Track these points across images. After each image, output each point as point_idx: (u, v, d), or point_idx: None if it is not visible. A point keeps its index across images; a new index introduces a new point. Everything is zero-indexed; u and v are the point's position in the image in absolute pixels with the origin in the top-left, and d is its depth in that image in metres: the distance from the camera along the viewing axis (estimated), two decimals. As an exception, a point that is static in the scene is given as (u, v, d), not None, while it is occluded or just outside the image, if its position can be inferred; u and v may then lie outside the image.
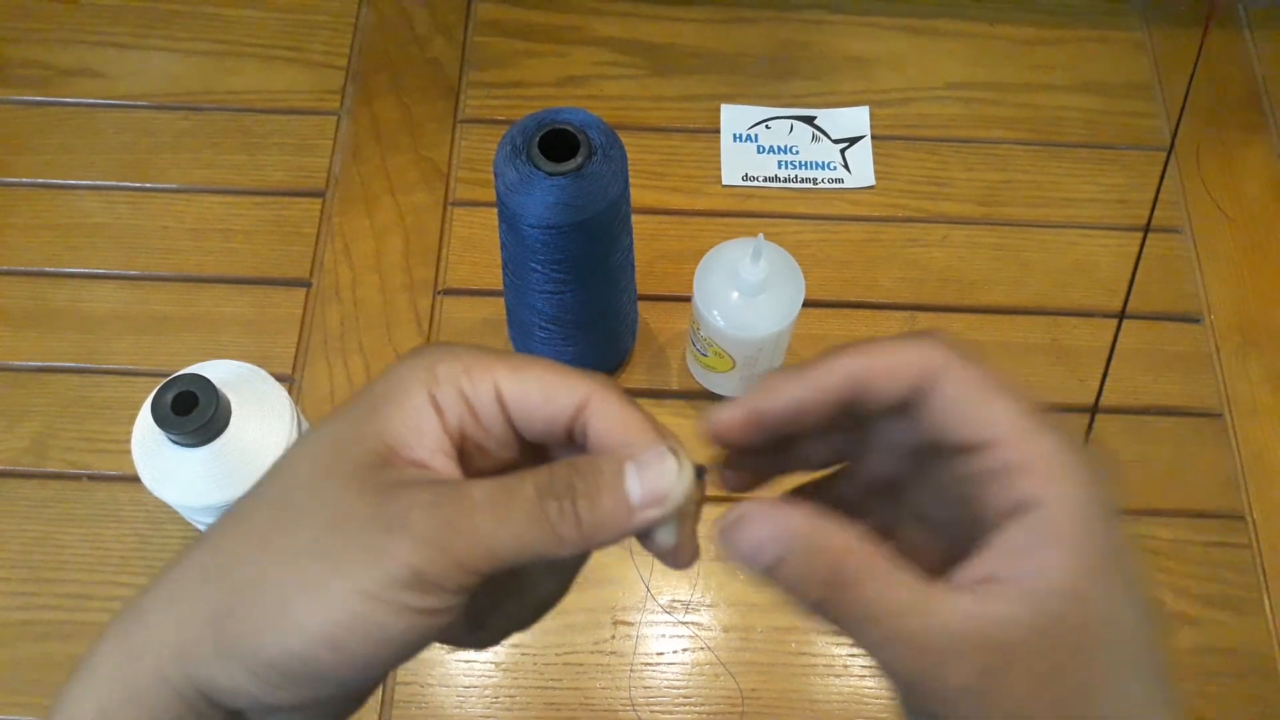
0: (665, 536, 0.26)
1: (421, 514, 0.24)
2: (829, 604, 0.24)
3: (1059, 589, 0.23)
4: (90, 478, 0.62)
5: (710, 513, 0.26)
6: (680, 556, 0.27)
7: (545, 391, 0.27)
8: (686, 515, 0.26)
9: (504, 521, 0.24)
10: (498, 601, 0.28)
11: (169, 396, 0.45)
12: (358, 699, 0.28)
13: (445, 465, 0.26)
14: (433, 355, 0.27)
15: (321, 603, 0.23)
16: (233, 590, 0.24)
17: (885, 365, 0.26)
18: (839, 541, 0.24)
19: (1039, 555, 0.23)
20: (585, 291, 0.55)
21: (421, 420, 0.26)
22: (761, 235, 0.54)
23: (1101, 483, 0.25)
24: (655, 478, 0.25)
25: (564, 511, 0.25)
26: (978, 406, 0.25)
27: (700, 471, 0.26)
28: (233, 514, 0.26)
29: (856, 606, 0.24)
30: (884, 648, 0.24)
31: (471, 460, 0.27)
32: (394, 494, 0.24)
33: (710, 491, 0.28)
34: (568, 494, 0.25)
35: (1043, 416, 0.25)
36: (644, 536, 0.26)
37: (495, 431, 0.27)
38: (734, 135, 0.75)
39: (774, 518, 0.25)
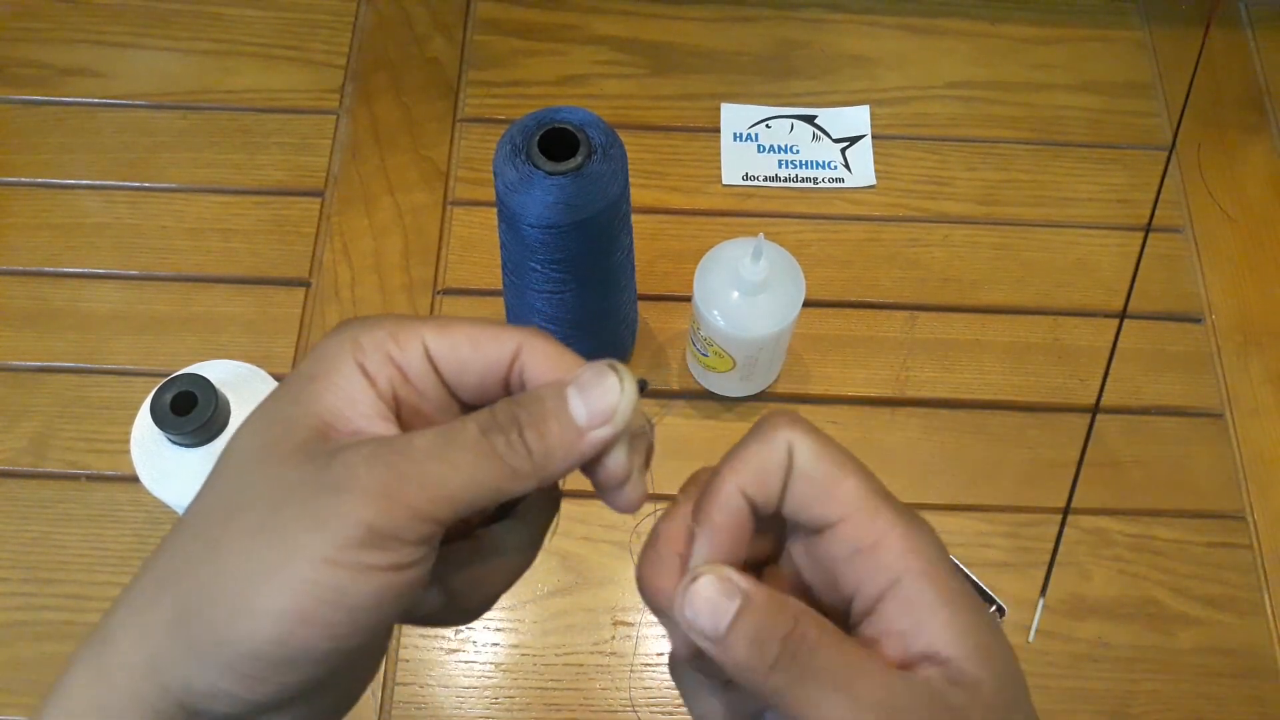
0: (617, 459, 0.26)
1: (365, 468, 0.23)
2: (785, 664, 0.24)
3: (961, 654, 0.24)
4: (89, 478, 0.62)
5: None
6: (634, 488, 0.26)
7: (474, 345, 0.26)
8: (638, 440, 0.26)
9: (452, 464, 0.24)
10: (465, 568, 0.28)
11: (168, 396, 0.45)
12: (349, 684, 0.27)
13: (384, 429, 0.26)
14: (356, 327, 0.26)
15: (280, 580, 0.23)
16: (191, 591, 0.24)
17: (758, 476, 0.26)
18: (794, 604, 0.25)
19: (930, 626, 0.25)
20: (585, 291, 0.55)
21: (353, 389, 0.25)
22: (762, 235, 0.54)
23: (939, 546, 0.26)
24: (599, 395, 0.25)
25: (512, 444, 0.24)
26: (826, 489, 0.26)
27: (643, 385, 0.26)
28: (182, 518, 0.26)
29: (813, 666, 0.24)
30: (835, 708, 0.24)
31: (410, 427, 0.27)
32: (334, 457, 0.24)
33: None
34: (513, 426, 0.25)
35: (881, 493, 0.26)
36: (594, 468, 0.26)
37: (429, 393, 0.27)
38: (734, 134, 0.74)
39: (729, 580, 0.25)
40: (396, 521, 0.23)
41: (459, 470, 0.24)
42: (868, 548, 0.25)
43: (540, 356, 0.26)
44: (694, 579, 0.25)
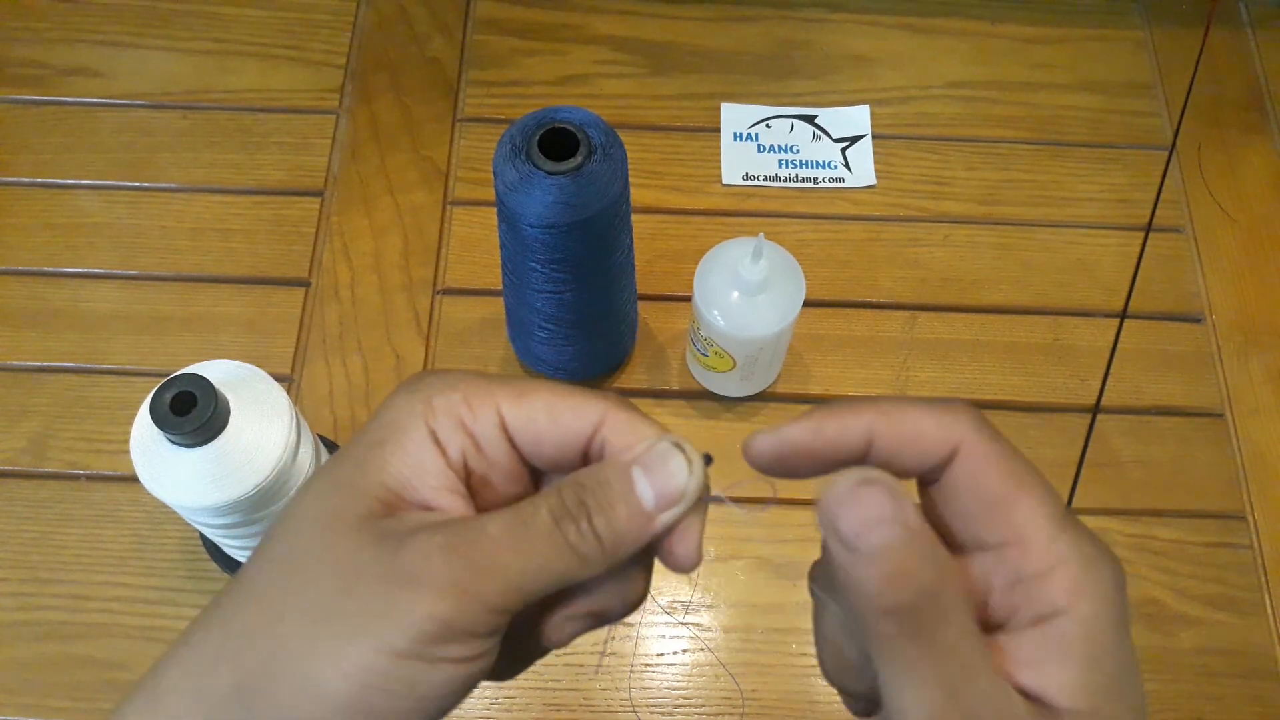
0: (687, 541, 0.25)
1: (440, 560, 0.23)
2: (905, 620, 0.22)
3: (1072, 709, 0.22)
4: (89, 478, 0.62)
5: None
6: (693, 548, 0.25)
7: (552, 417, 0.25)
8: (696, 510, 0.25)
9: (526, 554, 0.23)
10: (521, 629, 0.27)
11: (167, 396, 0.45)
12: None
13: (453, 503, 0.25)
14: (428, 386, 0.25)
15: (348, 668, 0.22)
16: (252, 664, 0.23)
17: (905, 433, 0.24)
18: (946, 562, 0.23)
19: (1056, 669, 0.23)
20: (585, 291, 0.55)
21: (423, 458, 0.25)
22: (762, 235, 0.54)
23: (1118, 590, 0.24)
24: (665, 477, 0.24)
25: (583, 533, 0.24)
26: (998, 509, 0.24)
27: (708, 459, 0.25)
28: (240, 579, 0.25)
29: (930, 638, 0.22)
30: (911, 687, 0.22)
31: (478, 495, 0.26)
32: (405, 543, 0.23)
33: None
34: (582, 513, 0.24)
35: (1063, 514, 0.24)
36: (660, 546, 0.25)
37: (501, 462, 0.26)
38: (734, 134, 0.74)
39: (900, 507, 0.23)
40: (470, 616, 0.23)
41: (531, 561, 0.23)
42: (1034, 576, 0.23)
43: (623, 431, 0.25)
44: (856, 493, 0.22)
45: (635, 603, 0.27)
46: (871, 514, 0.22)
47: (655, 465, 0.24)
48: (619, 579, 0.26)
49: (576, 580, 0.24)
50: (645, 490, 0.24)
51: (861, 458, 0.25)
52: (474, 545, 0.23)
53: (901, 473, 0.25)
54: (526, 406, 0.25)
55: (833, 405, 0.25)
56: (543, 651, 0.28)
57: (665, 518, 0.24)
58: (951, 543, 0.25)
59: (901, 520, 0.22)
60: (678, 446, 0.24)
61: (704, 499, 0.26)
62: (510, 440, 0.26)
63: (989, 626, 0.24)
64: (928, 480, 0.25)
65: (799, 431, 0.24)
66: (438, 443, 0.25)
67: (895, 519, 0.22)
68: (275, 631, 0.23)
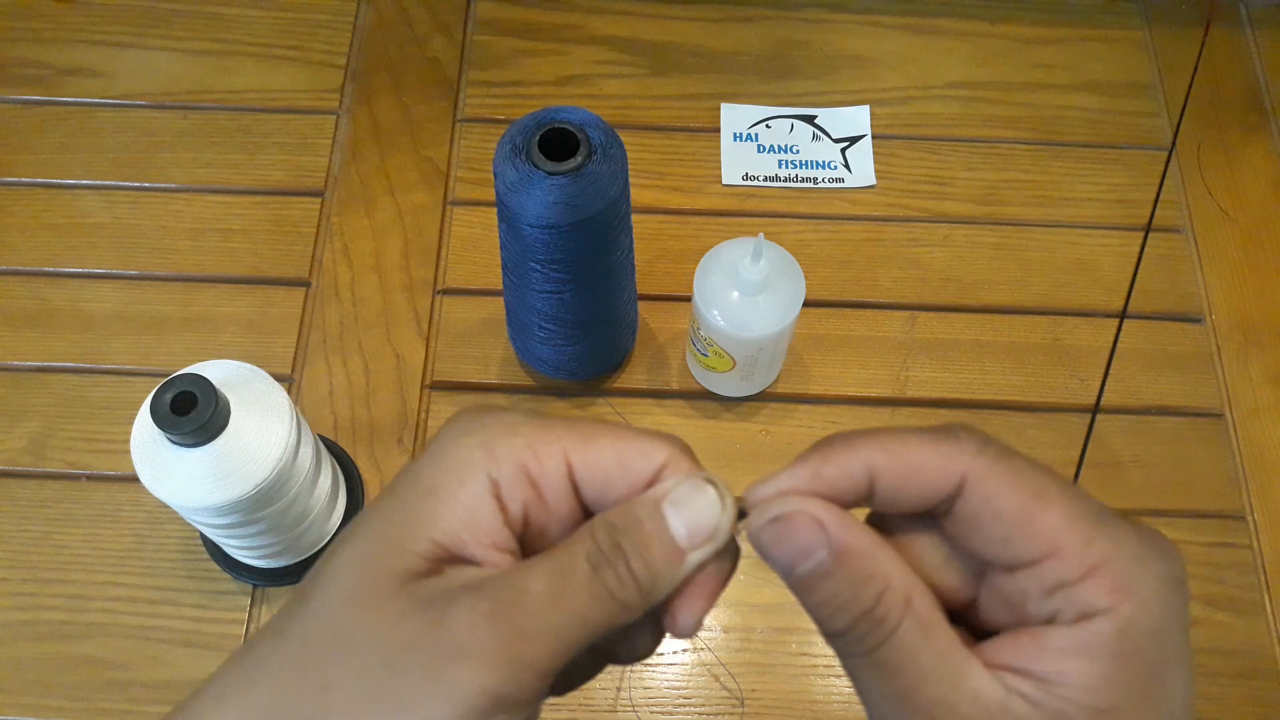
0: (694, 605, 0.24)
1: (486, 629, 0.22)
2: (854, 636, 0.22)
3: (1089, 704, 0.21)
4: (89, 478, 0.62)
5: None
6: (697, 610, 0.24)
7: (620, 463, 0.24)
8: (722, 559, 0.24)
9: (569, 610, 0.22)
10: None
11: (168, 396, 0.45)
12: None
13: (501, 560, 0.23)
14: (490, 430, 0.24)
15: None
16: None
17: (907, 468, 0.23)
18: (890, 574, 0.22)
19: (1078, 663, 0.21)
20: (585, 291, 0.55)
21: (480, 514, 0.23)
22: (762, 235, 0.54)
23: (1168, 587, 0.22)
24: (697, 513, 0.23)
25: (621, 578, 0.23)
26: (1021, 522, 0.22)
27: (741, 514, 0.24)
28: (281, 630, 0.23)
29: (884, 651, 0.22)
30: (889, 701, 0.22)
31: (529, 546, 0.25)
32: (449, 612, 0.22)
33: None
34: (619, 557, 0.23)
35: (1099, 514, 0.23)
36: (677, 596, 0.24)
37: (560, 511, 0.24)
38: (734, 134, 0.74)
39: (826, 525, 0.23)
40: (521, 685, 0.22)
41: (575, 616, 0.22)
42: (1073, 581, 0.22)
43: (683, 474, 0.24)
44: (784, 516, 0.23)
45: (643, 653, 0.26)
46: (794, 547, 0.23)
47: (686, 500, 0.23)
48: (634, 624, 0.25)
49: (616, 629, 0.23)
50: (679, 526, 0.23)
51: (865, 497, 0.24)
52: (519, 609, 0.22)
53: (908, 509, 0.24)
54: (595, 453, 0.24)
55: (829, 441, 0.24)
56: (580, 682, 0.27)
57: (696, 556, 0.23)
58: (984, 567, 0.24)
59: (827, 545, 0.22)
60: (709, 482, 0.24)
61: (731, 559, 0.25)
62: (575, 490, 0.24)
63: (1031, 623, 0.23)
64: (940, 513, 0.24)
65: (796, 480, 0.24)
66: (499, 498, 0.23)
67: (819, 545, 0.22)
68: (323, 701, 0.22)
